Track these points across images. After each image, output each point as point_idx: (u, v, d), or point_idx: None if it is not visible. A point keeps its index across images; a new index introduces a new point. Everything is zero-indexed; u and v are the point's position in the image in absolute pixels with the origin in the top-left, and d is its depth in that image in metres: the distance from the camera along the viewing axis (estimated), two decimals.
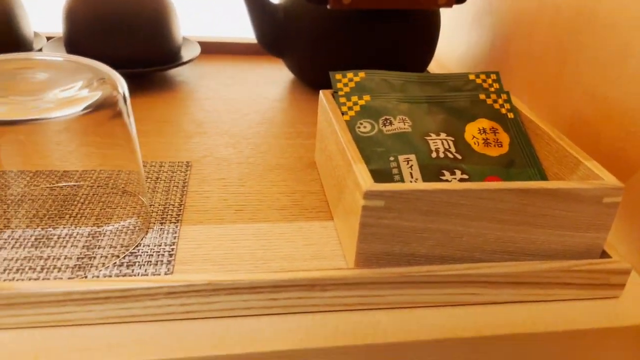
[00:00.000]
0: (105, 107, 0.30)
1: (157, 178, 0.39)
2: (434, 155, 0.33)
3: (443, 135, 0.35)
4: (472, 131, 0.36)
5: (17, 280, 0.28)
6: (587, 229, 0.29)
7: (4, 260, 0.29)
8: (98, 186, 0.37)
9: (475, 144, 0.35)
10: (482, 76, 0.40)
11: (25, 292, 0.25)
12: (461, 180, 0.32)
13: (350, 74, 0.38)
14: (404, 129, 0.35)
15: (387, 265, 0.28)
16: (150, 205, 0.35)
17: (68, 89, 0.30)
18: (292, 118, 0.52)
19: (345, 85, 0.37)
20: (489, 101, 0.38)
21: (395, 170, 0.32)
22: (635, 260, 0.36)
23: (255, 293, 0.27)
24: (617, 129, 0.39)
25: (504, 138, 0.36)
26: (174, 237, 0.32)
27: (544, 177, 0.34)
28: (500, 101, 0.38)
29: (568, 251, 0.30)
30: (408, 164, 0.32)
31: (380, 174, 0.32)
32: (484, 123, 0.36)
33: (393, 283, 0.28)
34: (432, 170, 0.32)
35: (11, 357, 0.24)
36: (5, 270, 0.29)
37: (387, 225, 0.27)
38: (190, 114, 0.50)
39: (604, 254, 0.31)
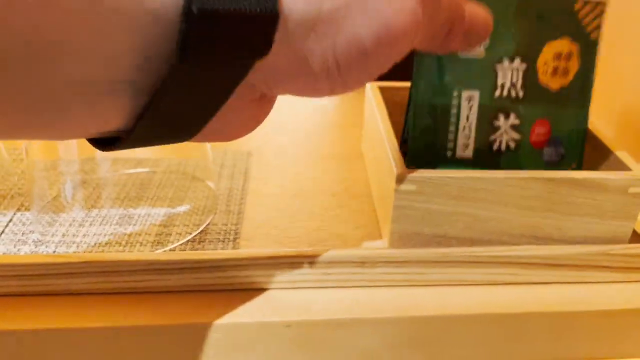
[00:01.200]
0: None
1: (222, 165, 0.43)
2: (497, 93, 0.33)
3: (517, 62, 0.33)
4: (548, 55, 0.34)
5: (107, 252, 0.32)
6: (613, 218, 0.31)
7: (94, 235, 0.34)
8: (170, 172, 0.41)
9: (543, 73, 0.34)
10: None
11: (115, 261, 0.29)
12: (512, 126, 0.33)
13: None
14: (477, 53, 0.33)
15: (419, 246, 0.31)
16: (217, 189, 0.39)
17: None
18: (343, 109, 0.55)
19: None
20: (581, 14, 0.34)
21: (454, 110, 0.32)
22: None
23: (312, 267, 0.30)
24: None
25: (573, 66, 0.34)
26: (239, 218, 0.36)
27: (582, 126, 0.34)
28: (592, 15, 0.34)
29: (594, 238, 0.31)
30: (469, 102, 0.32)
31: (438, 111, 0.32)
32: (563, 46, 0.34)
33: (435, 262, 0.31)
34: (489, 112, 0.32)
35: (102, 317, 0.28)
36: (95, 243, 0.33)
37: (418, 208, 0.30)
38: None
39: (638, 238, 0.32)
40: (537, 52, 0.33)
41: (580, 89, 0.34)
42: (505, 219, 0.30)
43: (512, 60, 0.33)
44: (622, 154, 0.32)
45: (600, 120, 0.48)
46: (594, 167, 0.35)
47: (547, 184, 0.29)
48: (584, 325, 0.31)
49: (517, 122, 0.33)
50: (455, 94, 0.32)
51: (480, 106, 0.32)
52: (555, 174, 0.30)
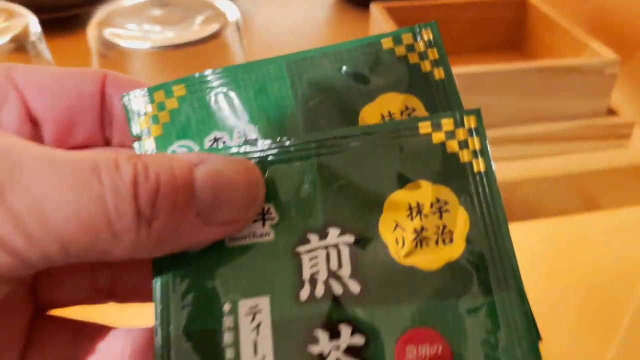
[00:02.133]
0: (220, 36, 0.39)
1: None
2: (303, 294, 0.17)
3: (333, 235, 0.17)
4: (395, 213, 0.17)
5: None
6: (593, 96, 0.38)
7: None
8: None
9: (397, 243, 0.17)
10: (406, 37, 0.18)
11: None
12: (349, 348, 0.16)
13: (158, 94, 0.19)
14: (261, 237, 0.17)
15: None
16: None
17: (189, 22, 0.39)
18: (341, 31, 0.57)
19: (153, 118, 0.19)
20: (437, 137, 0.17)
21: (228, 337, 0.16)
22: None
23: None
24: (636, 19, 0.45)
25: (461, 221, 0.17)
26: None
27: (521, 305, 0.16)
28: (460, 133, 0.17)
29: (578, 114, 0.39)
30: (253, 320, 0.17)
31: (203, 342, 0.17)
32: (422, 190, 0.17)
33: None
34: (296, 330, 0.17)
35: None
36: None
37: None
38: (250, 42, 0.57)
39: (612, 112, 0.40)
40: (373, 218, 0.17)
41: (491, 249, 0.17)
42: (506, 106, 0.38)
43: (324, 231, 0.17)
44: (597, 45, 0.39)
45: (569, 19, 0.53)
46: (570, 56, 0.42)
47: (540, 72, 0.37)
48: (569, 187, 0.39)
49: (360, 340, 0.16)
50: (226, 308, 0.17)
51: (276, 322, 0.17)
52: (545, 63, 0.37)
